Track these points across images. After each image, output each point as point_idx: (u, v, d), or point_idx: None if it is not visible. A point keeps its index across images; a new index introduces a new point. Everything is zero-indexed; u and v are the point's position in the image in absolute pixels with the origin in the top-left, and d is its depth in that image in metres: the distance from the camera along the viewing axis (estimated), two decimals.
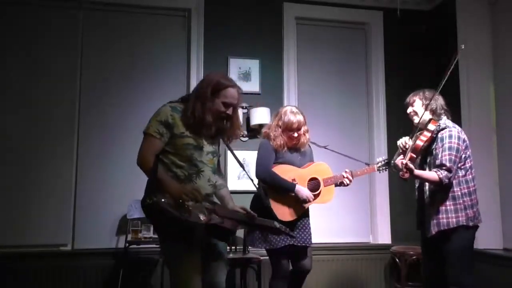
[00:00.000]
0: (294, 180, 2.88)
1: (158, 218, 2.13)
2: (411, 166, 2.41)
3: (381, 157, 3.25)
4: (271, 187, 2.85)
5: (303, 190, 2.85)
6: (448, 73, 2.55)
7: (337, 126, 4.35)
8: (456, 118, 3.71)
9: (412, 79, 4.29)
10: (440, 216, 2.50)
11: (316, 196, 2.93)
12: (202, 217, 2.08)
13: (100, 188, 3.82)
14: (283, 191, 2.85)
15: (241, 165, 2.41)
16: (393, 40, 4.50)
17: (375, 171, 3.11)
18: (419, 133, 2.58)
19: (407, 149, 2.55)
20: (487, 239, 3.71)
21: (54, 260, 3.67)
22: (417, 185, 2.73)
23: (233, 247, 3.85)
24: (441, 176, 2.43)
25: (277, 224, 2.37)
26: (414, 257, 3.82)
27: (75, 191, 3.84)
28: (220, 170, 2.48)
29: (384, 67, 4.45)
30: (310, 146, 3.10)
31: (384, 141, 4.29)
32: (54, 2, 3.96)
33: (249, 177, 2.44)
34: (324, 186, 2.95)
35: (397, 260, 3.96)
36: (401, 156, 2.48)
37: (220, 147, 2.42)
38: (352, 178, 2.99)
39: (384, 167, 3.10)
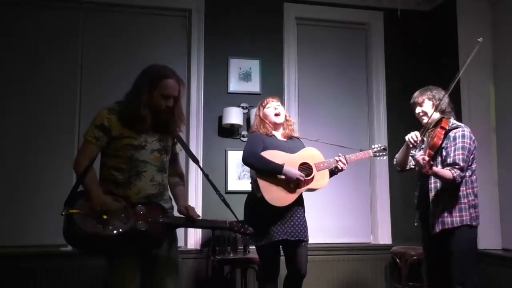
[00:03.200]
0: (283, 164, 2.78)
1: (71, 235, 2.01)
2: (432, 162, 2.42)
3: (377, 144, 3.23)
4: (261, 173, 2.78)
5: (292, 170, 2.76)
6: (462, 71, 2.60)
7: (337, 126, 4.34)
8: (456, 118, 3.73)
9: (412, 79, 4.29)
10: (445, 214, 2.52)
11: (309, 181, 2.83)
12: (120, 228, 1.99)
13: None
14: (271, 173, 2.76)
15: (196, 161, 2.38)
16: (393, 40, 4.50)
17: (370, 156, 3.05)
18: (431, 130, 2.57)
19: (417, 143, 2.55)
20: (486, 239, 3.71)
21: (54, 260, 3.67)
22: (419, 182, 2.73)
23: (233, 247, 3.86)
24: (455, 174, 2.44)
25: (228, 224, 2.26)
26: (415, 257, 3.83)
27: None
28: (176, 168, 2.40)
29: (384, 67, 4.45)
30: (301, 141, 3.07)
31: (384, 141, 4.27)
32: (54, 2, 3.96)
33: (203, 173, 2.35)
34: (317, 171, 2.87)
35: (397, 260, 3.96)
36: (421, 152, 2.45)
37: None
38: (347, 162, 2.92)
39: (381, 153, 3.05)
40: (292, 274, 2.87)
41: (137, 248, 2.10)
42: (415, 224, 2.79)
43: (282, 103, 4.15)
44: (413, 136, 2.58)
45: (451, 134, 2.56)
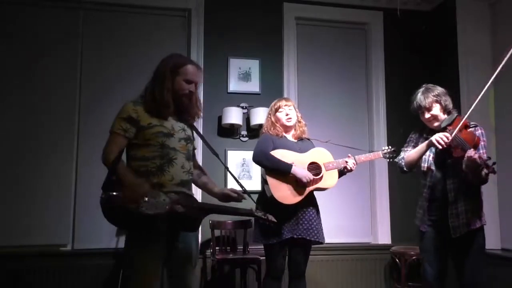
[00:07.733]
0: (292, 163, 2.82)
1: (112, 214, 2.05)
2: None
3: (386, 146, 3.22)
4: (270, 171, 2.82)
5: (300, 170, 2.80)
6: (499, 68, 2.52)
7: (337, 126, 4.34)
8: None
9: (412, 79, 4.28)
10: (469, 215, 2.45)
11: (318, 180, 2.87)
12: (160, 209, 2.05)
13: (100, 188, 3.80)
14: (280, 172, 2.80)
15: (215, 153, 2.41)
16: (393, 40, 4.50)
17: (380, 157, 3.06)
18: (459, 129, 2.42)
19: (447, 145, 2.41)
20: (485, 239, 3.71)
21: (54, 260, 3.67)
22: (429, 183, 2.59)
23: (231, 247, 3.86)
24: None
25: (253, 211, 2.37)
26: (414, 257, 3.83)
27: (75, 191, 3.84)
28: (195, 162, 2.45)
29: (384, 67, 4.46)
30: (311, 142, 3.10)
31: (384, 141, 4.28)
32: (54, 2, 3.96)
33: (223, 164, 2.47)
34: (326, 170, 2.89)
35: (397, 260, 3.96)
36: (472, 150, 2.28)
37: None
38: (356, 163, 2.93)
39: (391, 155, 3.05)
40: (292, 273, 2.93)
41: (165, 237, 2.13)
42: (417, 223, 2.66)
43: None
44: (443, 137, 2.42)
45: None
